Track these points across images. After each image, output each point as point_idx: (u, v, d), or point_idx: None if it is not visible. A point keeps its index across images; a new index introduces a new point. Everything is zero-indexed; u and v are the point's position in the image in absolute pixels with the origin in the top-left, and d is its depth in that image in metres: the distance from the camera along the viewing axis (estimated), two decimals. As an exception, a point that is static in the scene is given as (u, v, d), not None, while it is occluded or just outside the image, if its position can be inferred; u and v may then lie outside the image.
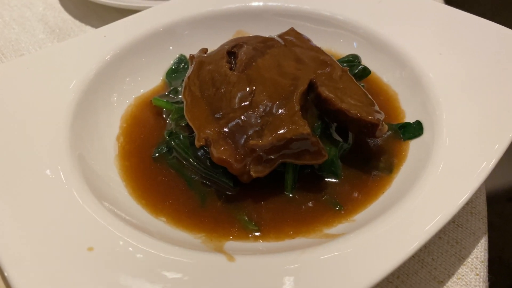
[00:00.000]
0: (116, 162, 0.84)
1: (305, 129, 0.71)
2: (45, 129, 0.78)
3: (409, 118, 0.87)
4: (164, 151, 0.84)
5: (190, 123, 0.77)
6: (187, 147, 0.81)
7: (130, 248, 0.62)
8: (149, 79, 1.01)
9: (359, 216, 0.72)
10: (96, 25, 1.27)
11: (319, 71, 0.81)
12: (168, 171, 0.82)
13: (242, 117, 0.75)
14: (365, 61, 0.98)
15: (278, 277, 0.57)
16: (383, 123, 0.75)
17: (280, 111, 0.75)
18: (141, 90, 0.99)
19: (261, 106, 0.75)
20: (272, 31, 0.94)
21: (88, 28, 1.29)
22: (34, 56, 0.97)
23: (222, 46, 0.88)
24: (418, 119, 0.84)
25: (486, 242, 0.77)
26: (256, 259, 0.61)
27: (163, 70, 1.03)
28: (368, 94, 0.79)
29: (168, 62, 1.04)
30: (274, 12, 1.08)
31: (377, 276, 0.56)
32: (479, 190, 0.84)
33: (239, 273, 0.59)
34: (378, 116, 0.75)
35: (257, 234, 0.72)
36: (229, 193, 0.78)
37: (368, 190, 0.76)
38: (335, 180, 0.79)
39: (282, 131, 0.72)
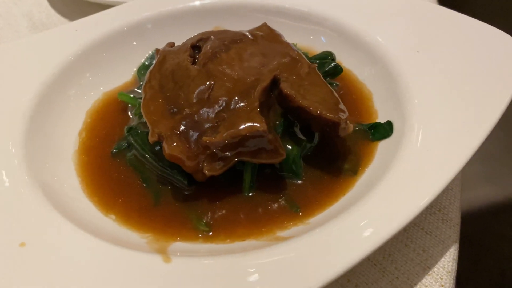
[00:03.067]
0: (74, 157, 0.82)
1: (261, 126, 0.67)
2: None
3: (382, 118, 0.82)
4: (124, 147, 0.82)
5: (145, 118, 0.74)
6: (145, 143, 0.78)
7: (63, 244, 0.59)
8: (121, 74, 0.99)
9: (316, 219, 0.68)
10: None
11: (285, 67, 0.78)
12: (126, 167, 0.79)
13: (198, 113, 0.71)
14: (343, 59, 0.94)
15: (209, 280, 0.53)
16: (347, 122, 0.71)
17: (238, 107, 0.71)
18: (112, 86, 0.97)
19: (219, 102, 0.72)
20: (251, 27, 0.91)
21: (71, 24, 1.27)
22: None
23: (188, 40, 0.85)
24: (390, 120, 0.79)
25: (456, 252, 0.72)
26: (194, 261, 0.58)
27: (137, 66, 1.01)
28: (335, 92, 0.75)
29: (142, 58, 1.02)
30: (252, 8, 1.05)
31: (316, 284, 0.52)
32: (453, 197, 0.78)
33: (171, 275, 0.55)
34: (340, 114, 0.71)
35: (208, 235, 0.68)
36: (185, 192, 0.74)
37: (328, 192, 0.72)
38: (297, 181, 0.74)
39: (237, 128, 0.68)
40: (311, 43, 1.00)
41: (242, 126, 0.68)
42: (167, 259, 0.58)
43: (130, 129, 0.81)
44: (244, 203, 0.72)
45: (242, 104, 0.71)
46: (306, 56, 0.92)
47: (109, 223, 0.70)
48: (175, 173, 0.74)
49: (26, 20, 1.30)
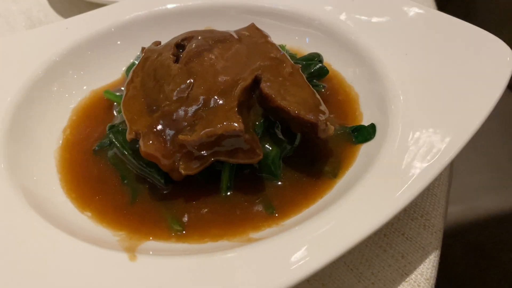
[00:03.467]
0: (56, 153, 0.82)
1: (238, 126, 0.66)
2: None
3: (367, 121, 0.81)
4: (106, 144, 0.81)
5: (123, 115, 0.74)
6: (125, 141, 0.77)
7: (30, 238, 0.59)
8: (111, 73, 0.99)
9: (291, 221, 0.67)
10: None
11: (267, 68, 0.77)
12: (106, 165, 0.79)
13: (177, 111, 0.71)
14: (332, 61, 0.93)
15: (171, 280, 0.53)
16: (327, 123, 0.70)
17: (216, 106, 0.71)
18: (100, 84, 0.97)
19: (198, 100, 0.71)
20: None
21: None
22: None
23: (173, 38, 0.85)
24: (374, 123, 0.78)
25: (437, 259, 0.70)
26: (159, 260, 0.57)
27: (127, 64, 1.01)
28: (316, 94, 0.74)
29: (132, 57, 1.02)
30: (244, 9, 1.04)
31: (281, 285, 0.51)
32: (436, 202, 0.77)
33: (134, 273, 0.55)
34: (319, 115, 0.69)
35: (181, 234, 0.67)
36: (163, 191, 0.74)
37: (306, 194, 0.71)
38: (275, 182, 0.73)
39: (213, 127, 0.67)
40: (302, 44, 0.99)
41: (219, 125, 0.67)
42: (133, 257, 0.57)
43: (112, 127, 0.80)
44: (221, 203, 0.71)
45: (220, 103, 0.71)
46: (294, 57, 0.91)
47: (84, 220, 0.70)
48: (153, 171, 0.74)
49: (24, 18, 1.31)
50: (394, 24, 0.90)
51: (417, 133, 0.69)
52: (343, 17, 0.96)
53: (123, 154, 0.77)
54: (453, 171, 1.01)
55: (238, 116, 0.68)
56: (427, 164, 0.64)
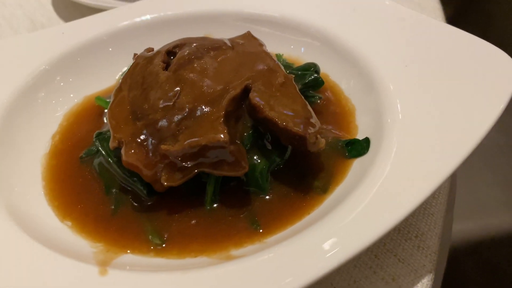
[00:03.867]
0: (43, 160, 0.80)
1: (222, 137, 0.64)
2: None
3: (362, 134, 0.77)
4: (93, 152, 0.80)
5: (108, 123, 0.72)
6: (111, 149, 0.75)
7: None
8: (106, 79, 0.98)
9: (276, 237, 0.64)
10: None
11: (259, 77, 0.74)
12: (92, 173, 0.77)
13: (161, 120, 0.69)
14: (330, 71, 0.90)
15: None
16: (318, 136, 0.67)
17: (202, 115, 0.68)
18: (94, 90, 0.95)
19: (184, 109, 0.69)
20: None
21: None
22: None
23: (165, 45, 0.83)
24: (369, 137, 0.75)
25: (430, 282, 0.66)
26: (129, 275, 0.55)
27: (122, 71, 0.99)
28: (308, 106, 0.71)
29: (130, 62, 1.00)
30: (243, 18, 1.02)
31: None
32: (433, 222, 0.73)
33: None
34: (309, 128, 0.66)
35: (160, 248, 0.65)
36: (146, 202, 0.72)
37: (293, 209, 0.68)
38: (263, 196, 0.70)
39: (197, 137, 0.65)
40: (299, 54, 0.96)
41: (203, 136, 0.65)
42: (103, 272, 0.55)
43: (99, 134, 0.79)
44: (204, 217, 0.69)
45: (207, 112, 0.68)
46: (291, 67, 0.88)
47: (63, 229, 0.68)
48: (136, 182, 0.72)
49: (28, 22, 1.32)
50: (395, 35, 0.87)
51: (413, 150, 0.66)
52: (343, 26, 0.93)
53: (108, 162, 0.75)
54: (455, 189, 0.96)
55: (223, 127, 0.66)
56: (420, 183, 0.61)
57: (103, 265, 0.57)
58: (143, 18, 1.03)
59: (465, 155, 0.63)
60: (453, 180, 0.89)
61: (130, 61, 0.97)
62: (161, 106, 0.70)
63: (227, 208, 0.70)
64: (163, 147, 0.65)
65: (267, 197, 0.71)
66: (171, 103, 0.70)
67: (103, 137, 0.77)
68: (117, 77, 0.98)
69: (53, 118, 0.87)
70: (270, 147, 0.73)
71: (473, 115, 0.68)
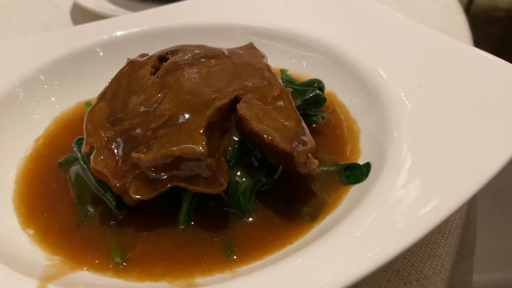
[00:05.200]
0: (21, 163, 0.76)
1: (198, 148, 0.57)
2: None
3: (364, 159, 0.69)
4: (73, 158, 0.74)
5: (84, 126, 0.66)
6: (88, 156, 0.70)
7: None
8: (103, 84, 0.93)
9: (249, 267, 0.56)
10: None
11: (252, 88, 0.68)
12: (66, 181, 0.72)
13: (138, 126, 0.63)
14: (337, 90, 0.83)
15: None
16: (309, 156, 0.59)
17: (183, 124, 0.62)
18: (90, 95, 0.91)
19: (164, 116, 0.63)
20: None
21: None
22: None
23: (159, 51, 0.78)
24: (371, 162, 0.66)
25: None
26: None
27: (122, 79, 0.95)
28: (302, 122, 0.63)
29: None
30: (249, 31, 0.97)
31: None
32: (439, 265, 0.63)
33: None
34: (298, 146, 0.59)
35: (120, 267, 0.58)
36: (117, 216, 0.65)
37: (275, 237, 0.59)
38: (243, 219, 0.63)
39: (172, 147, 0.58)
40: (307, 71, 0.89)
41: (178, 145, 0.58)
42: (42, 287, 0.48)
43: (80, 139, 0.73)
44: (175, 237, 0.61)
45: (188, 121, 0.62)
46: (293, 82, 0.81)
47: (21, 237, 0.62)
48: (107, 192, 0.65)
49: (43, 30, 1.31)
50: (411, 54, 0.79)
51: (416, 181, 0.57)
52: (356, 45, 0.86)
53: (84, 169, 0.70)
54: (475, 233, 0.86)
55: (202, 138, 0.59)
56: (422, 216, 0.52)
57: (46, 280, 0.51)
58: (147, 27, 0.99)
59: (476, 189, 0.53)
60: (470, 220, 0.79)
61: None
62: (140, 111, 0.65)
63: (201, 229, 0.62)
64: (133, 155, 0.59)
65: (249, 219, 0.63)
66: (152, 109, 0.64)
67: (81, 142, 0.72)
68: (115, 85, 0.93)
69: (35, 120, 0.83)
70: (257, 164, 0.65)
71: (491, 146, 0.59)
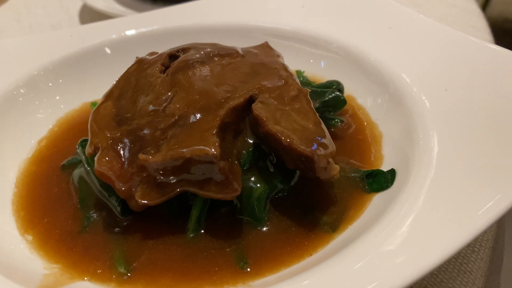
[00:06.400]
0: (23, 165, 0.72)
1: (211, 150, 0.53)
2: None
3: (387, 165, 0.64)
4: (77, 161, 0.70)
5: (88, 126, 0.62)
6: (92, 158, 0.66)
7: None
8: (109, 85, 0.90)
9: (263, 281, 0.51)
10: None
11: (268, 88, 0.63)
12: (69, 184, 0.68)
13: (146, 126, 0.59)
14: (357, 93, 0.78)
15: None
16: (329, 161, 0.55)
17: (194, 124, 0.58)
18: (96, 97, 0.87)
19: (174, 116, 0.59)
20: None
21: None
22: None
23: (170, 49, 0.74)
24: (395, 168, 0.61)
25: None
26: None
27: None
28: (322, 124, 0.59)
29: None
30: (266, 32, 0.93)
31: None
32: (470, 281, 0.57)
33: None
34: (318, 149, 0.54)
35: (125, 278, 0.53)
36: (122, 222, 0.61)
37: (292, 248, 0.55)
38: (257, 228, 0.58)
39: (182, 148, 0.54)
40: (325, 74, 0.85)
41: (189, 147, 0.54)
42: (38, 300, 0.44)
43: (84, 141, 0.69)
44: (183, 246, 0.57)
45: (199, 121, 0.58)
46: (310, 84, 0.77)
47: (19, 243, 0.58)
48: (112, 196, 0.61)
49: (50, 30, 1.28)
50: (434, 55, 0.74)
51: (447, 190, 0.52)
52: (376, 46, 0.81)
53: (87, 172, 0.65)
54: (503, 247, 0.80)
55: (215, 139, 0.54)
56: (453, 229, 0.47)
57: (44, 291, 0.46)
58: (157, 27, 0.95)
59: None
60: (499, 234, 0.73)
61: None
62: (149, 110, 0.60)
63: (212, 238, 0.57)
64: (141, 156, 0.54)
65: (263, 228, 0.58)
66: (161, 108, 0.60)
67: (86, 144, 0.67)
68: (123, 86, 0.89)
69: (37, 120, 0.79)
70: (272, 169, 0.61)
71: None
